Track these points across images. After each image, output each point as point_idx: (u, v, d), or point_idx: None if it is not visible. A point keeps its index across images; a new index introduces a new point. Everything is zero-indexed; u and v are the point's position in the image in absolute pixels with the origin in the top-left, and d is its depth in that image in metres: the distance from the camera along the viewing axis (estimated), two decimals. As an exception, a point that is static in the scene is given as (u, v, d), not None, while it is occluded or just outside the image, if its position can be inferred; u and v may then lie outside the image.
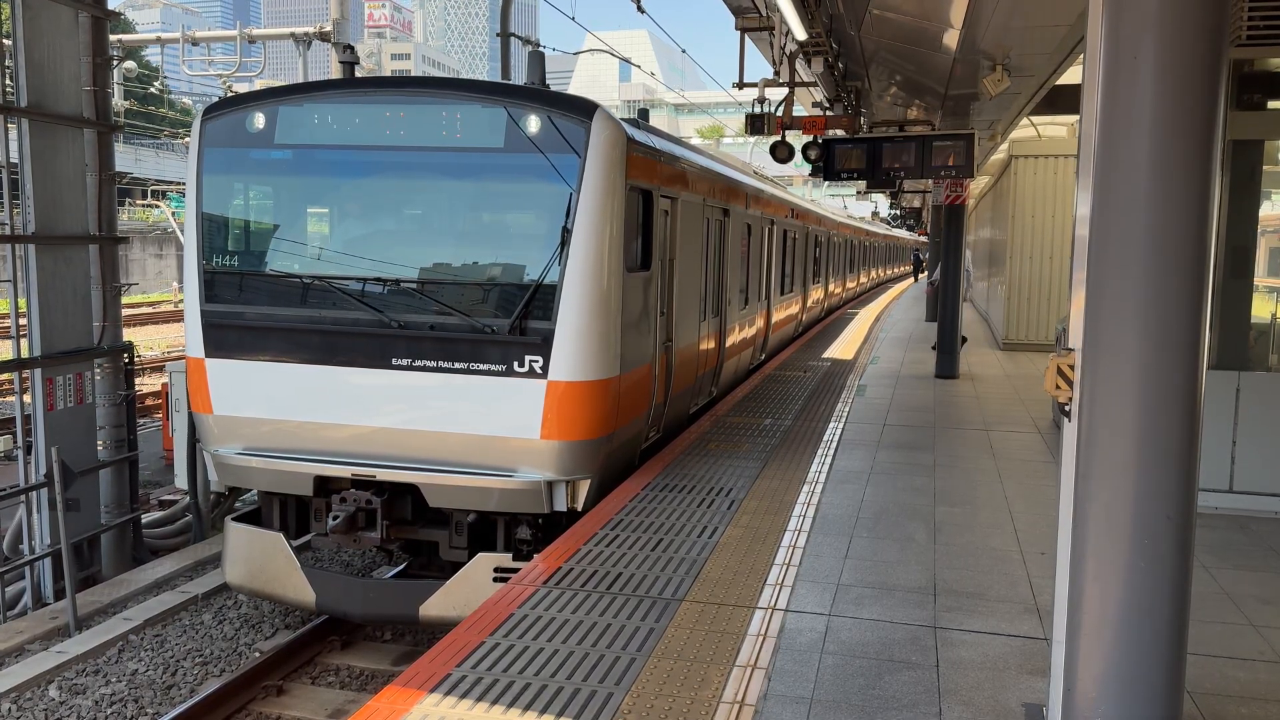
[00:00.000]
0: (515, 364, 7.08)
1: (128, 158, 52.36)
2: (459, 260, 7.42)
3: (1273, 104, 7.74)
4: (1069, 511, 3.60)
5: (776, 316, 16.25)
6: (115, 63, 15.04)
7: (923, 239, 57.35)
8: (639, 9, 15.09)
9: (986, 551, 6.46)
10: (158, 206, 50.70)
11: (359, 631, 8.30)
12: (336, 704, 7.13)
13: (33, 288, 9.38)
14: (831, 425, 10.55)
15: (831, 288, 25.74)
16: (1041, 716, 4.19)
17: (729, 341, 12.11)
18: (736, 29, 11.11)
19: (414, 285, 7.32)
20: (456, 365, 7.16)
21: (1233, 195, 7.68)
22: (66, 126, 9.69)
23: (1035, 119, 16.70)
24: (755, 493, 7.72)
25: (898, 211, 51.09)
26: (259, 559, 7.74)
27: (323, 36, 16.57)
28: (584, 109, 7.22)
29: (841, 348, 18.27)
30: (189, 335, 7.74)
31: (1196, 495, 3.42)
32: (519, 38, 16.60)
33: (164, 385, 13.02)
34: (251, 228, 7.95)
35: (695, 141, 16.11)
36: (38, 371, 9.40)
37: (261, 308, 7.55)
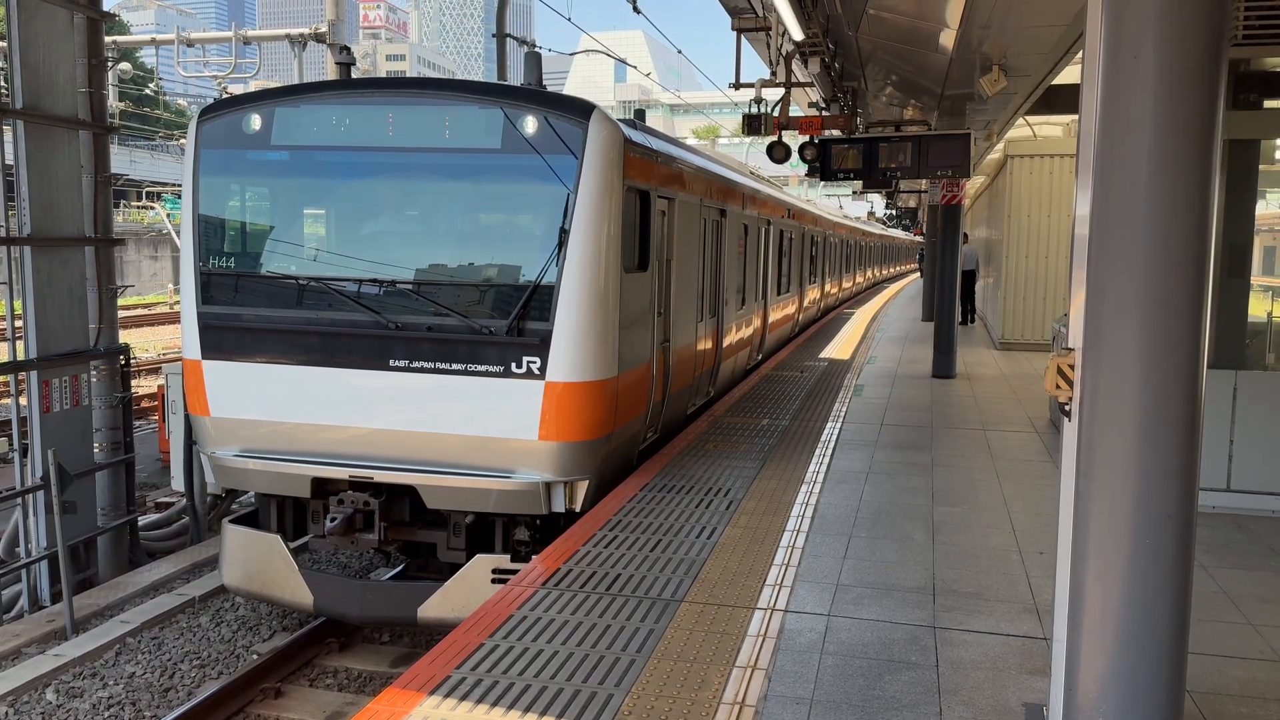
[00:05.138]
0: (513, 365, 7.07)
1: (123, 159, 52.33)
2: (456, 261, 7.40)
3: (1269, 103, 7.75)
4: (1069, 511, 3.60)
5: (773, 316, 16.25)
6: (110, 64, 15.01)
7: (918, 239, 57.42)
8: (635, 9, 15.08)
9: (985, 551, 6.46)
10: (153, 208, 50.65)
11: (357, 633, 8.29)
12: (335, 706, 7.12)
13: (29, 290, 9.35)
14: (829, 425, 10.55)
15: (828, 288, 25.75)
16: (1042, 716, 4.19)
17: (726, 341, 12.10)
18: (733, 29, 11.11)
19: (411, 286, 7.30)
20: (454, 366, 7.15)
21: (1229, 194, 7.68)
22: (62, 128, 9.67)
23: (1031, 119, 16.73)
24: (753, 493, 7.72)
25: (893, 211, 51.15)
26: (256, 561, 7.72)
27: (318, 38, 16.52)
28: (581, 110, 7.21)
29: (838, 347, 18.27)
30: (185, 337, 7.72)
31: (1197, 494, 3.42)
32: (515, 38, 16.57)
33: (160, 387, 12.99)
34: (248, 229, 7.93)
35: (691, 142, 16.09)
36: (34, 374, 9.37)
37: (258, 309, 7.53)
